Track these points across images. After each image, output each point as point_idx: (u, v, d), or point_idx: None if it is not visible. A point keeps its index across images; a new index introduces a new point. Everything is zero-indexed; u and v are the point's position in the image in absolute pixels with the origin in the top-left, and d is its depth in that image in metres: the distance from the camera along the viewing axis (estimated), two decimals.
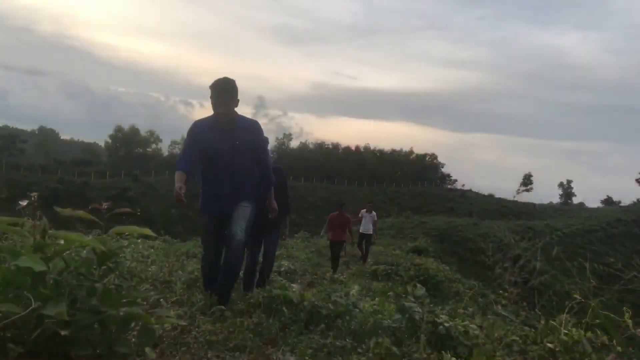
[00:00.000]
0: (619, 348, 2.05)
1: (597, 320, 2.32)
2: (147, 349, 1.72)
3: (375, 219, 12.80)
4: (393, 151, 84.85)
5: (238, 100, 3.63)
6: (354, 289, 5.89)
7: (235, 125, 3.65)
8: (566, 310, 2.41)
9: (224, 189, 3.67)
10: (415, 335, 2.75)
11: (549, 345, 2.18)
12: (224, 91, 3.52)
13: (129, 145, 73.02)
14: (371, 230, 12.64)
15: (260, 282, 4.83)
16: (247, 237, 3.59)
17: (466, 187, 75.54)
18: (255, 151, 3.76)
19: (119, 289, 1.76)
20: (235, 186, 3.69)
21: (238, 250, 3.48)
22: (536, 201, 70.35)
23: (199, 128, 3.70)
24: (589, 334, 2.19)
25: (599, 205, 75.09)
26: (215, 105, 3.54)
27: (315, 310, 3.09)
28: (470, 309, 4.21)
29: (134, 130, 74.96)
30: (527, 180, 77.50)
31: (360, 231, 12.76)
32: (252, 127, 3.74)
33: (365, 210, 12.73)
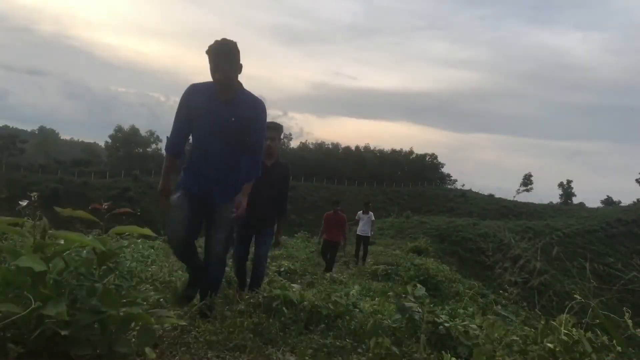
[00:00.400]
0: (619, 348, 2.05)
1: (597, 320, 2.32)
2: (147, 349, 1.72)
3: (373, 219, 12.56)
4: (393, 151, 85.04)
5: (241, 66, 3.08)
6: (354, 289, 5.88)
7: (235, 98, 3.10)
8: (566, 310, 2.41)
9: (211, 172, 3.15)
10: (415, 335, 2.76)
11: (549, 345, 2.18)
12: (222, 54, 2.96)
13: (129, 145, 73.03)
14: (369, 232, 12.43)
15: (255, 286, 4.39)
16: (227, 247, 3.27)
17: (466, 187, 75.74)
18: (250, 132, 3.17)
19: (119, 289, 1.76)
20: (224, 172, 3.17)
21: (218, 263, 3.20)
22: (536, 201, 70.53)
23: (196, 91, 3.12)
24: (589, 334, 2.19)
25: (599, 205, 75.22)
26: (212, 72, 3.01)
27: (315, 310, 3.08)
28: (470, 309, 4.20)
29: (134, 130, 74.96)
30: (527, 180, 77.72)
31: (358, 233, 12.50)
32: (254, 105, 3.17)
33: (361, 212, 12.49)
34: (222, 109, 3.07)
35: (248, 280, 4.53)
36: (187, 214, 3.09)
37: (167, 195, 3.11)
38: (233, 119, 3.07)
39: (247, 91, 3.21)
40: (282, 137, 4.60)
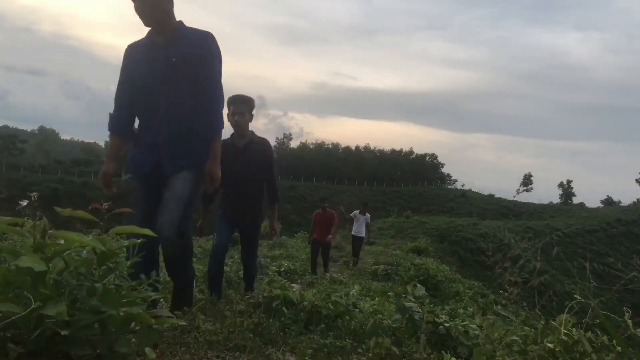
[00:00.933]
0: (619, 348, 2.05)
1: (597, 320, 2.32)
2: (147, 349, 1.72)
3: (369, 221, 12.05)
4: (393, 151, 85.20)
5: (171, 1, 2.56)
6: (354, 289, 5.88)
7: (173, 37, 2.52)
8: (566, 310, 2.41)
9: (158, 136, 2.52)
10: (415, 335, 2.75)
11: (549, 345, 2.18)
12: None
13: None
14: (363, 232, 11.88)
15: (249, 286, 3.98)
16: (185, 227, 2.44)
17: (466, 187, 75.85)
18: (200, 72, 2.51)
19: (119, 289, 1.76)
20: (173, 133, 2.49)
21: (171, 253, 2.43)
22: (536, 201, 70.69)
23: (131, 49, 2.62)
24: (589, 334, 2.19)
25: (599, 205, 75.35)
26: (136, 10, 2.48)
27: (315, 310, 3.08)
28: (470, 309, 4.21)
29: None
30: (527, 180, 77.85)
31: (353, 233, 12.01)
32: (199, 39, 2.54)
33: (358, 211, 11.98)
34: (159, 54, 2.50)
35: (244, 282, 4.23)
36: (146, 211, 2.50)
37: (108, 181, 2.57)
38: (174, 59, 2.49)
39: (191, 27, 2.61)
40: (253, 112, 3.79)
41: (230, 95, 3.71)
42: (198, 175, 2.55)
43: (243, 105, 3.68)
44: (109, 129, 2.67)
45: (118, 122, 2.65)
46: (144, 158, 2.59)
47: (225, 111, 3.59)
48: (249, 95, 3.77)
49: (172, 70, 2.48)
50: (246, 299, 3.32)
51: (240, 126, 3.69)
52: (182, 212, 2.41)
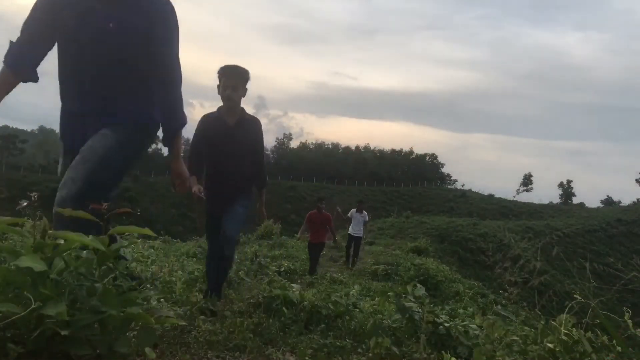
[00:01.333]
0: (619, 348, 2.05)
1: (597, 320, 2.32)
2: (147, 349, 1.71)
3: (367, 219, 11.88)
4: (393, 151, 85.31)
5: None
6: (354, 289, 5.89)
7: None
8: (566, 310, 2.41)
9: (85, 104, 2.13)
10: (415, 335, 2.76)
11: (549, 345, 2.18)
12: None
13: None
14: (361, 232, 11.73)
15: (216, 288, 3.52)
16: (91, 190, 1.93)
17: (466, 187, 75.95)
18: (152, 44, 2.09)
19: (119, 289, 1.76)
20: (101, 102, 2.12)
21: (64, 223, 1.78)
22: (536, 201, 70.74)
23: None
24: (589, 334, 2.19)
25: (599, 205, 75.43)
26: None
27: (315, 310, 3.08)
28: (470, 309, 4.21)
29: None
30: (527, 180, 77.96)
31: (349, 232, 11.85)
32: (152, 6, 2.09)
33: (355, 210, 11.79)
34: (95, 14, 2.04)
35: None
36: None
37: None
38: (111, 24, 2.04)
39: None
40: (247, 86, 3.46)
41: (222, 66, 3.41)
42: (123, 131, 2.10)
43: (237, 79, 3.39)
44: (5, 61, 2.06)
45: (20, 55, 2.06)
46: (72, 133, 2.19)
47: (216, 83, 3.39)
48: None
49: (107, 37, 2.05)
50: (246, 299, 3.32)
51: (233, 101, 3.41)
52: (89, 169, 1.95)
